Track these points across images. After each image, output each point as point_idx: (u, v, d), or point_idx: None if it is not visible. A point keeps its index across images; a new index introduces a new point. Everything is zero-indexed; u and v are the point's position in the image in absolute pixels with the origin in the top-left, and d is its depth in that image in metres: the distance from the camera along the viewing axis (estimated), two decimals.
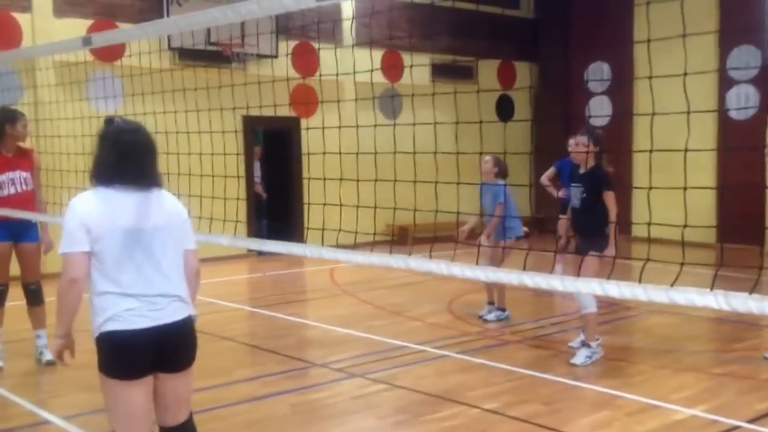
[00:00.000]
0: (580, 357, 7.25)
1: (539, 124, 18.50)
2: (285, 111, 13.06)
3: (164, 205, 3.82)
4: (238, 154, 13.55)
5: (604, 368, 7.17)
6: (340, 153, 5.61)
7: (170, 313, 3.68)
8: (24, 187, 7.18)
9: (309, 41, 15.07)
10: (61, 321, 3.76)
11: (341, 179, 5.60)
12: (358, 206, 4.99)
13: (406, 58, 16.52)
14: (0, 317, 7.24)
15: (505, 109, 18.76)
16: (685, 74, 3.53)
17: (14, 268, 7.32)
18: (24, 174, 7.18)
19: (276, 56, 14.41)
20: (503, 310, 9.21)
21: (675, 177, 3.54)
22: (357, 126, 5.33)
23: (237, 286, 12.48)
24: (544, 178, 11.46)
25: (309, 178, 6.01)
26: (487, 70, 18.24)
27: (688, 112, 3.51)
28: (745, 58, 15.56)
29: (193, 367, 3.88)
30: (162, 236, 3.73)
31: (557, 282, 3.33)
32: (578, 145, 7.56)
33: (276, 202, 16.04)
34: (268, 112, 11.93)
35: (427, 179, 4.80)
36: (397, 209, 5.19)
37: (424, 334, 8.60)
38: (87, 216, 3.63)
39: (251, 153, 15.42)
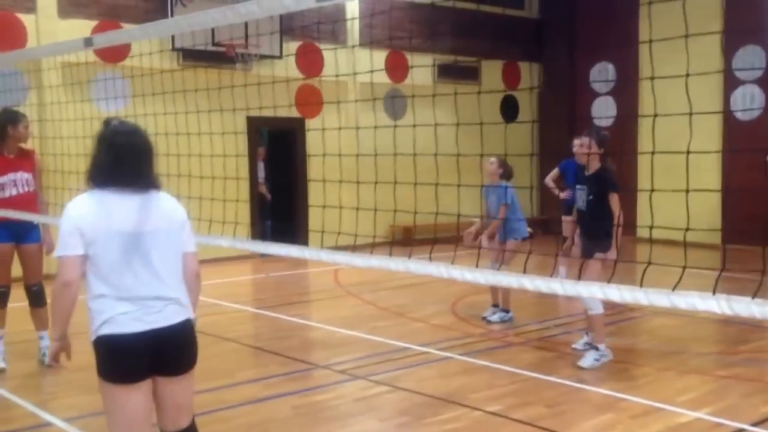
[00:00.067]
0: (588, 360, 7.18)
1: (543, 125, 18.47)
2: (289, 111, 13.05)
3: (161, 208, 3.78)
4: (238, 156, 13.59)
5: (608, 370, 7.13)
6: (340, 155, 5.59)
7: (167, 317, 3.65)
8: (26, 189, 7.17)
9: (313, 42, 15.05)
10: (56, 324, 3.76)
11: (341, 181, 5.57)
12: (358, 208, 4.96)
13: (411, 58, 16.50)
14: (2, 319, 7.25)
15: (509, 110, 18.71)
16: (688, 75, 3.50)
17: (16, 270, 7.32)
18: (26, 175, 7.17)
19: (280, 57, 14.42)
20: (507, 311, 9.18)
21: (680, 177, 3.51)
22: (357, 127, 5.30)
23: (240, 287, 12.46)
24: (549, 179, 11.43)
25: (311, 180, 5.99)
26: (492, 71, 18.21)
27: (690, 114, 3.47)
28: (750, 58, 15.51)
29: (195, 371, 3.84)
30: (158, 239, 3.69)
31: (558, 285, 3.29)
32: (582, 146, 7.53)
33: (280, 203, 16.01)
34: (272, 112, 11.93)
35: (431, 180, 4.78)
36: (402, 210, 5.17)
37: (428, 336, 8.57)
38: (80, 219, 3.61)
39: (255, 154, 15.40)
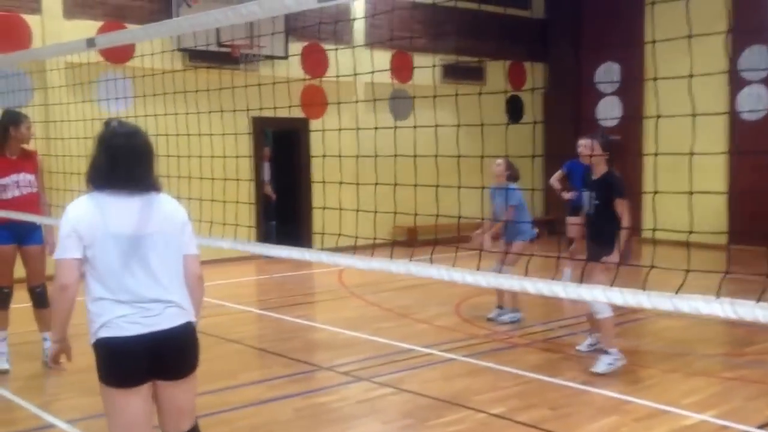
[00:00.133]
0: (601, 365, 7.02)
1: (548, 125, 18.43)
2: (294, 112, 13.04)
3: (160, 210, 3.75)
4: (243, 157, 13.56)
5: (613, 372, 7.07)
6: (340, 156, 5.58)
7: (165, 320, 3.61)
8: (28, 190, 7.16)
9: (319, 42, 15.03)
10: (55, 326, 3.76)
11: (341, 183, 5.55)
12: (358, 210, 4.94)
13: (417, 59, 16.48)
14: (5, 320, 7.24)
15: (515, 111, 18.68)
16: (691, 76, 3.47)
17: (20, 271, 7.31)
18: (28, 176, 7.17)
19: (285, 57, 14.40)
20: (517, 310, 9.16)
21: (686, 177, 3.48)
22: (357, 128, 5.28)
23: (244, 288, 12.45)
24: (554, 180, 11.39)
25: (315, 182, 5.98)
26: (498, 71, 18.17)
27: (694, 115, 3.44)
28: (756, 58, 15.45)
29: (196, 374, 3.81)
30: (156, 241, 3.66)
31: (560, 288, 3.26)
32: (585, 147, 7.50)
33: (284, 203, 15.99)
34: (276, 113, 11.92)
35: (435, 181, 4.75)
36: (402, 212, 5.15)
37: (432, 337, 8.55)
38: (78, 222, 3.60)
39: (260, 155, 15.39)
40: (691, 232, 3.35)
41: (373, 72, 5.57)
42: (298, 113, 14.93)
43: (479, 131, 5.31)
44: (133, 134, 3.78)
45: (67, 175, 8.00)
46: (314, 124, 15.29)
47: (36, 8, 12.58)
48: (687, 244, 3.58)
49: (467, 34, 15.99)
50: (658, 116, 3.64)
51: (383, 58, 15.89)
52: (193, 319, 3.78)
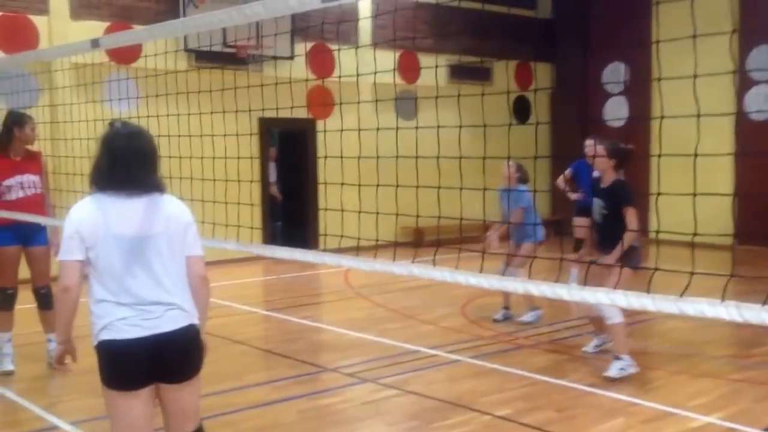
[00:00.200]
0: (613, 370, 6.89)
1: (555, 126, 18.38)
2: (301, 112, 13.02)
3: (164, 211, 3.71)
4: (250, 158, 13.54)
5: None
6: (341, 157, 5.57)
7: (166, 323, 3.59)
8: (33, 191, 7.15)
9: (324, 42, 15.02)
10: (59, 327, 3.75)
11: (342, 184, 5.53)
12: (360, 212, 4.92)
13: (423, 59, 16.45)
14: (10, 321, 7.24)
15: (522, 111, 18.63)
16: (695, 76, 3.43)
17: (25, 272, 7.31)
18: (33, 177, 7.16)
19: (292, 58, 14.39)
20: (536, 308, 9.13)
21: (694, 177, 3.45)
22: (359, 129, 5.26)
23: (251, 289, 12.44)
24: (561, 180, 11.34)
25: (320, 183, 5.98)
26: (505, 71, 18.13)
27: (698, 115, 3.41)
28: (764, 58, 15.38)
29: (201, 376, 3.79)
30: (158, 243, 3.64)
31: (564, 291, 3.24)
32: (593, 147, 7.44)
33: (290, 204, 15.97)
34: (283, 113, 11.91)
35: (444, 182, 4.73)
36: (411, 212, 5.13)
37: (437, 338, 8.53)
38: (80, 224, 3.58)
39: (267, 156, 15.37)
40: (695, 234, 3.32)
41: (375, 73, 5.49)
42: (305, 114, 14.92)
43: (487, 131, 5.29)
44: (135, 135, 3.76)
45: (73, 177, 8.00)
46: (320, 124, 15.27)
47: (43, 9, 12.59)
48: (692, 245, 3.54)
49: (474, 34, 15.98)
50: (662, 117, 3.61)
51: (390, 58, 15.86)
52: (195, 321, 3.74)
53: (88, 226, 3.57)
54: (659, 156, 3.48)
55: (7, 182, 7.04)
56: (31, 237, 7.15)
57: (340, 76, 5.83)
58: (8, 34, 12.03)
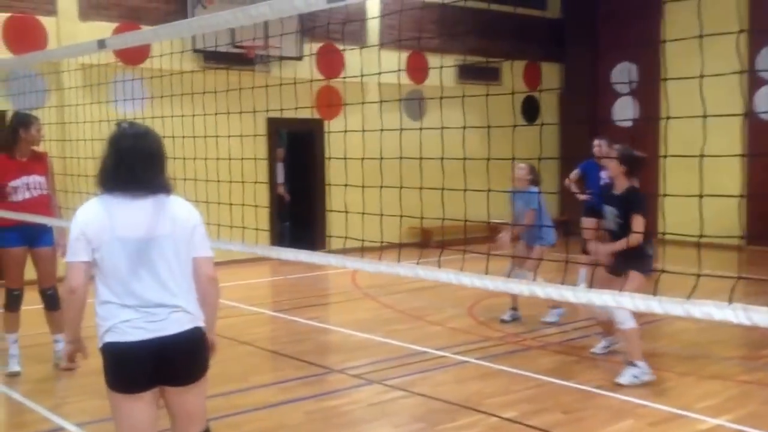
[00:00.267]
0: (626, 377, 6.78)
1: (564, 126, 18.32)
2: (309, 113, 13.01)
3: (170, 213, 3.68)
4: (258, 159, 13.53)
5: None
6: (345, 158, 5.55)
7: (171, 325, 3.56)
8: (39, 192, 7.15)
9: (333, 43, 15.01)
10: (67, 328, 3.78)
11: (346, 185, 5.52)
12: (363, 213, 4.90)
13: (432, 59, 16.42)
14: (16, 322, 7.24)
15: (531, 111, 18.59)
16: (702, 76, 3.40)
17: (31, 273, 7.31)
18: (39, 178, 7.16)
19: (300, 58, 14.38)
20: (557, 306, 9.10)
21: (703, 177, 3.42)
22: (363, 131, 5.25)
23: (258, 290, 12.42)
24: (569, 181, 11.30)
25: (328, 184, 5.96)
26: (514, 71, 18.09)
27: (705, 116, 3.38)
28: None
29: (207, 379, 3.76)
30: (165, 245, 3.61)
31: (570, 293, 3.21)
32: (599, 147, 7.38)
33: (298, 205, 15.95)
34: (291, 114, 11.91)
35: (452, 183, 4.71)
36: (419, 213, 5.11)
37: (444, 339, 8.50)
38: (86, 225, 3.57)
39: (275, 156, 15.36)
40: (702, 236, 3.28)
41: (380, 73, 5.48)
42: (312, 114, 14.90)
43: (495, 132, 5.26)
44: (142, 136, 3.73)
45: (82, 178, 8.01)
46: (328, 125, 15.26)
47: (51, 10, 12.60)
48: (698, 245, 3.50)
49: (482, 34, 15.92)
50: (667, 117, 3.57)
51: (398, 58, 15.84)
52: (200, 324, 3.72)
53: (94, 227, 3.55)
54: (665, 156, 3.44)
55: (14, 183, 7.03)
56: (37, 238, 7.15)
57: (345, 78, 5.78)
58: (17, 35, 12.04)
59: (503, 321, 9.21)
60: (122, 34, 6.79)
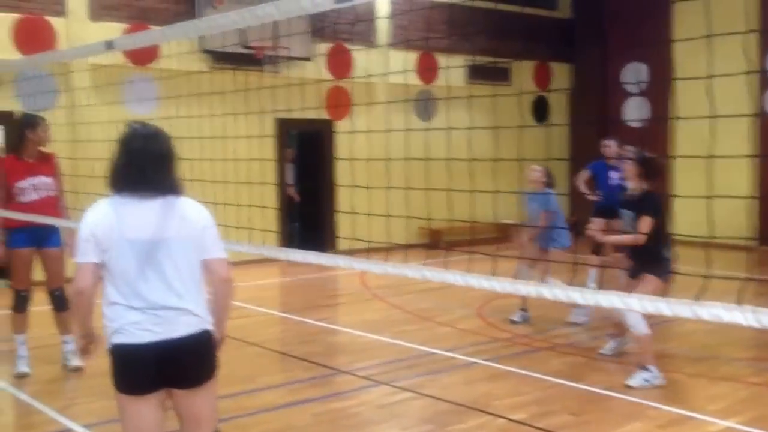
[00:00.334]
0: (637, 379, 6.74)
1: (574, 126, 18.27)
2: (319, 113, 13.01)
3: (179, 214, 3.65)
4: (266, 160, 13.54)
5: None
6: (350, 159, 5.53)
7: (177, 328, 3.55)
8: (46, 193, 7.14)
9: (343, 43, 15.00)
10: (77, 326, 3.83)
11: (353, 186, 5.50)
12: (370, 214, 4.88)
13: (441, 59, 16.38)
14: (24, 323, 7.24)
15: (541, 112, 18.54)
16: (711, 76, 3.37)
17: (39, 274, 7.31)
18: (46, 179, 7.15)
19: (309, 59, 14.38)
20: (581, 306, 9.07)
21: (714, 176, 3.39)
22: (368, 131, 5.23)
23: (267, 291, 12.40)
24: (579, 182, 11.25)
25: (337, 185, 5.95)
26: (523, 72, 18.07)
27: (713, 117, 3.35)
28: None
29: (215, 382, 3.74)
30: (173, 247, 3.59)
31: (577, 295, 3.18)
32: (609, 147, 7.33)
33: (308, 206, 15.93)
34: (302, 114, 11.92)
35: (460, 184, 4.69)
36: (425, 213, 5.09)
37: (453, 341, 8.48)
38: (96, 226, 3.56)
39: (284, 157, 15.35)
40: (711, 238, 3.25)
41: (389, 73, 5.45)
42: (322, 115, 14.90)
43: (506, 132, 5.25)
44: (152, 136, 3.72)
45: (92, 179, 8.00)
46: (337, 125, 15.24)
47: (61, 11, 12.61)
48: (708, 245, 3.48)
49: (492, 34, 15.90)
50: (674, 117, 3.54)
51: (408, 59, 15.83)
52: (208, 327, 3.69)
53: (103, 228, 3.54)
54: (674, 157, 3.41)
55: (20, 184, 7.02)
56: (45, 239, 7.15)
57: (353, 78, 5.77)
58: (27, 36, 12.05)
59: (512, 322, 9.18)
60: (130, 34, 6.78)
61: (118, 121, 7.35)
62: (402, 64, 15.32)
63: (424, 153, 5.37)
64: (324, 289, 12.43)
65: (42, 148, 7.24)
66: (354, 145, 12.98)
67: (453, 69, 15.74)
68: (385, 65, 15.17)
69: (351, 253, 5.45)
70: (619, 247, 7.68)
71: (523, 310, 9.22)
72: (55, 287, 7.25)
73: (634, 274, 6.92)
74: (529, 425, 5.79)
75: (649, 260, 6.82)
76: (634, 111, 17.69)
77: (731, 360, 7.63)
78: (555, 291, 3.26)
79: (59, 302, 7.24)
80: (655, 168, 7.03)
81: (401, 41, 15.51)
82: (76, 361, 7.24)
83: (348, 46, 14.96)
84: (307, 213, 15.92)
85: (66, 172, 7.71)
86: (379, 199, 5.51)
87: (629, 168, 7.05)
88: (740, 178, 15.08)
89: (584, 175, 11.14)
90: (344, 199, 14.37)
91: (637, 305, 3.05)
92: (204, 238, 3.71)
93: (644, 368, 6.79)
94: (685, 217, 4.46)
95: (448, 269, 3.72)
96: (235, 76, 12.37)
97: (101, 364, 3.96)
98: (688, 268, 3.36)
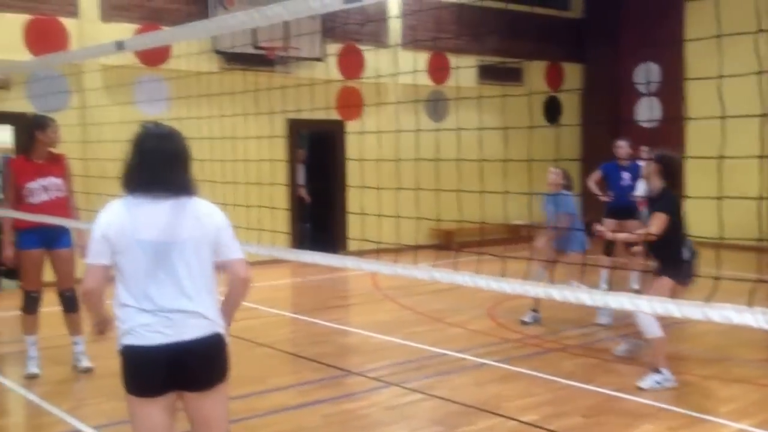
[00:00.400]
0: (648, 381, 6.70)
1: (586, 127, 18.21)
2: (330, 114, 13.00)
3: (193, 216, 3.61)
4: (278, 160, 13.54)
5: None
6: (361, 160, 5.51)
7: (188, 331, 3.52)
8: (56, 194, 7.14)
9: (354, 43, 14.99)
10: (91, 315, 3.91)
11: (363, 187, 5.48)
12: (379, 215, 4.86)
13: (453, 60, 16.36)
14: (34, 324, 7.24)
15: (553, 112, 18.49)
16: (721, 77, 3.34)
17: (50, 275, 7.32)
18: (56, 180, 7.14)
19: (320, 59, 14.37)
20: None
21: (726, 177, 3.37)
22: (379, 132, 5.21)
23: (278, 291, 12.39)
24: (591, 183, 11.22)
25: (350, 186, 5.94)
26: (536, 72, 18.02)
27: (720, 117, 3.32)
28: None
29: (227, 384, 3.71)
30: (185, 249, 3.55)
31: (586, 296, 3.15)
32: (621, 148, 7.30)
33: (319, 206, 15.92)
34: (313, 115, 11.91)
35: (470, 185, 4.67)
36: (434, 214, 5.07)
37: (464, 342, 8.45)
38: (108, 227, 3.53)
39: (295, 158, 15.35)
40: (721, 239, 3.22)
41: (399, 73, 5.44)
42: (333, 115, 14.90)
43: (518, 133, 5.23)
44: (165, 136, 3.69)
45: (103, 179, 8.02)
46: (349, 126, 15.23)
47: (73, 12, 12.64)
48: (719, 246, 3.45)
49: (504, 34, 15.86)
50: (683, 118, 3.51)
51: (419, 59, 15.80)
52: (220, 329, 3.66)
53: (116, 229, 3.52)
54: (686, 158, 3.38)
55: (30, 185, 7.03)
56: (55, 240, 7.15)
57: (360, 78, 5.76)
58: (39, 36, 12.08)
59: (524, 323, 9.15)
60: (141, 35, 6.78)
61: (129, 121, 7.36)
62: (412, 64, 15.29)
63: (434, 153, 5.36)
64: (335, 290, 12.41)
65: (52, 149, 7.25)
66: (364, 145, 13.03)
67: (464, 69, 15.72)
68: (395, 65, 15.16)
69: (361, 254, 5.43)
70: (637, 248, 7.63)
71: (534, 311, 9.19)
72: (65, 288, 7.26)
73: (656, 274, 6.89)
74: (540, 427, 5.76)
75: (667, 261, 6.78)
76: (646, 111, 17.62)
77: (744, 362, 7.58)
78: (564, 293, 3.24)
79: (69, 303, 7.25)
80: (674, 167, 6.99)
81: (412, 41, 15.50)
82: (86, 362, 7.26)
83: (359, 46, 14.96)
84: (318, 214, 15.91)
85: (77, 172, 7.72)
86: (389, 200, 5.50)
87: (647, 164, 7.03)
88: (751, 178, 14.95)
89: (596, 175, 11.12)
90: (354, 199, 14.37)
91: (646, 307, 3.02)
92: (219, 240, 3.68)
93: (656, 370, 6.75)
94: (696, 218, 4.44)
95: (457, 270, 3.69)
96: (246, 77, 12.45)
97: (111, 365, 3.95)
98: (699, 269, 3.34)
